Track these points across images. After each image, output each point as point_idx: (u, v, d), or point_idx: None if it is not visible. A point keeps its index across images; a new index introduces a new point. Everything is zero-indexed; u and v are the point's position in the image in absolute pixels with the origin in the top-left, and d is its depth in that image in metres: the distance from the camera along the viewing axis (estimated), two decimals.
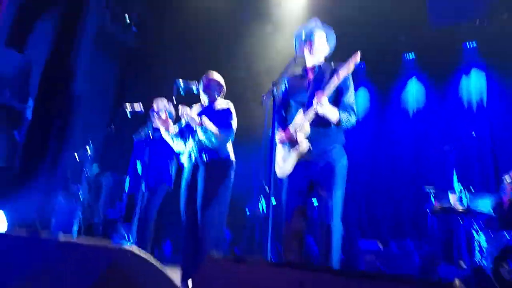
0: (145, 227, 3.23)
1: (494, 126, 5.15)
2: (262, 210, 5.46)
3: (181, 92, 2.83)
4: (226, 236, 4.76)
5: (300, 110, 2.33)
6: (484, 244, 3.60)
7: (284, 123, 2.50)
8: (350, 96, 2.37)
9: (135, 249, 1.10)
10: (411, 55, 6.05)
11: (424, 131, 5.65)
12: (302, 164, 2.30)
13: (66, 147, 4.89)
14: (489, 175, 4.95)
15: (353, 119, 2.33)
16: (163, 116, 2.98)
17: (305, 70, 2.52)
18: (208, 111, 2.95)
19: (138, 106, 3.28)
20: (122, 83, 6.57)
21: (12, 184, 4.49)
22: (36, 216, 4.30)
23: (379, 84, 6.13)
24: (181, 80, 2.87)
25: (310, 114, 2.27)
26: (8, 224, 3.71)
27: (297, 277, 1.05)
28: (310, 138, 2.28)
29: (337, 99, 2.36)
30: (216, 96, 3.02)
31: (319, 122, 2.30)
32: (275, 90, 2.25)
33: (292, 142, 2.33)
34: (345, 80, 2.33)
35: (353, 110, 2.34)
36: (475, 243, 3.62)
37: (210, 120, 2.84)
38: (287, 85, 2.58)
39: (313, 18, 2.57)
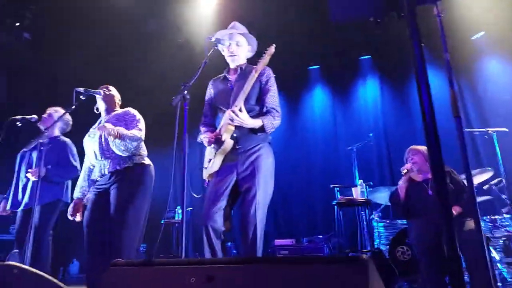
0: (40, 246, 2.96)
1: (388, 128, 5.90)
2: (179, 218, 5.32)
3: (82, 99, 2.67)
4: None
5: (226, 112, 2.31)
6: (382, 230, 4.09)
7: (212, 127, 2.50)
8: (273, 96, 2.38)
9: (16, 264, 1.13)
10: (315, 67, 6.70)
11: (331, 135, 6.18)
12: (228, 164, 2.30)
13: None
14: (385, 171, 5.63)
15: (277, 122, 2.34)
16: None
17: (227, 72, 2.54)
18: (110, 119, 2.77)
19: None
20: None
21: None
22: None
23: (289, 92, 6.53)
24: (81, 89, 2.71)
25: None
26: None
27: (203, 272, 1.06)
28: (236, 137, 2.30)
29: (261, 99, 2.38)
30: (115, 106, 2.91)
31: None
32: (186, 92, 2.25)
33: (218, 143, 2.33)
34: (267, 80, 2.39)
35: (277, 111, 2.36)
36: (375, 231, 4.08)
37: (115, 125, 2.69)
38: (211, 89, 2.58)
39: (232, 22, 2.57)
